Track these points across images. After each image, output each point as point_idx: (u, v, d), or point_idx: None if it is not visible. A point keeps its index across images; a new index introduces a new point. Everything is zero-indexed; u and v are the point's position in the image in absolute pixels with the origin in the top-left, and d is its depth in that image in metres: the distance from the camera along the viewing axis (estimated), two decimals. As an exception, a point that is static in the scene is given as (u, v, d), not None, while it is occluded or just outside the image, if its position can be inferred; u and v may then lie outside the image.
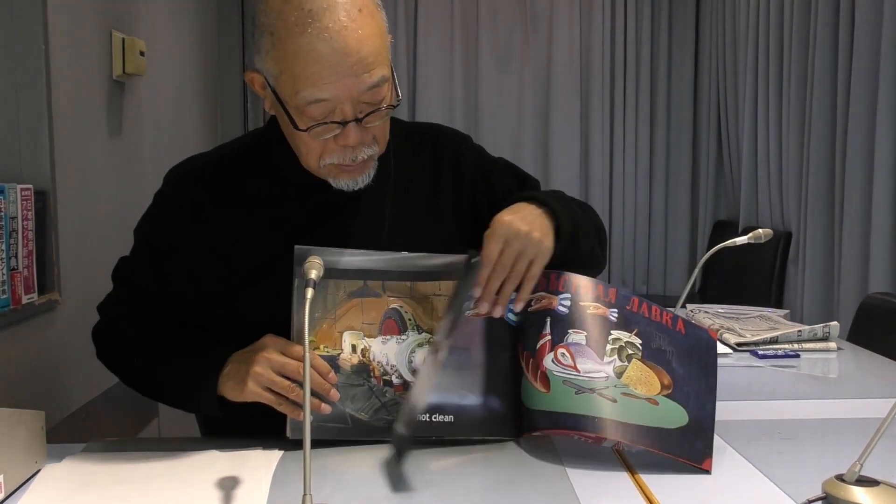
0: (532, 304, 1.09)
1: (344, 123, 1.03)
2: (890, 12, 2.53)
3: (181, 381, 1.12)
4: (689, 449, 1.00)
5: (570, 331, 1.06)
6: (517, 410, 1.07)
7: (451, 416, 1.05)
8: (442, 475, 1.00)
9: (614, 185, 4.36)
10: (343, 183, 1.10)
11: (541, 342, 1.06)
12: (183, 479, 0.98)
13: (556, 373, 1.03)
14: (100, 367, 1.23)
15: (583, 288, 1.09)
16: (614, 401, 1.01)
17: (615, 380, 1.03)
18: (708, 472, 0.98)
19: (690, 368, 1.07)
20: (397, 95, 1.07)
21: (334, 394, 1.03)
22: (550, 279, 1.09)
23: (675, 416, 1.02)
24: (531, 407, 1.05)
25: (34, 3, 1.60)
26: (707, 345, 1.10)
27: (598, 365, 1.04)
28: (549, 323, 1.07)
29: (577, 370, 1.03)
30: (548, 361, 1.04)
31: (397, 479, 0.95)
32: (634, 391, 1.02)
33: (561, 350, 1.05)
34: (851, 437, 1.12)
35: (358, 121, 1.03)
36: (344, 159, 1.06)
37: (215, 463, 1.02)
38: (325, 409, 1.02)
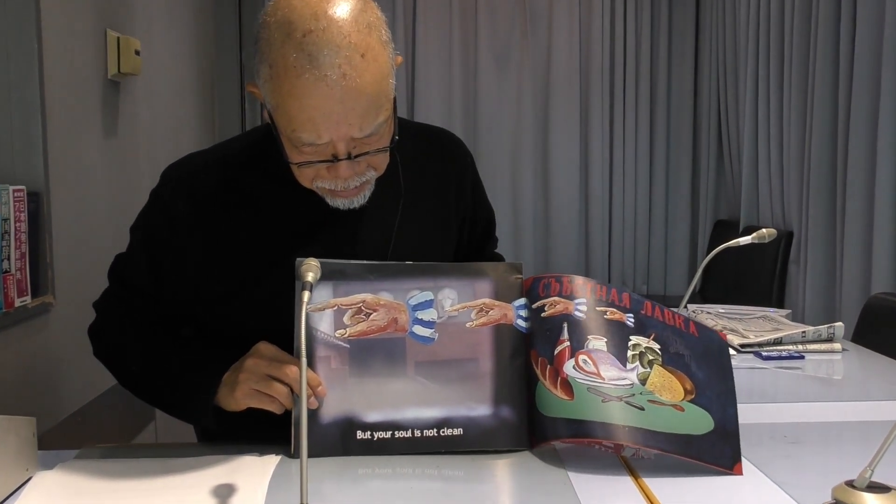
0: (546, 308, 1.06)
1: (336, 160, 1.01)
2: (892, 10, 2.51)
3: (178, 395, 1.11)
4: (719, 454, 0.98)
5: (589, 336, 1.03)
6: (530, 419, 1.03)
7: (461, 429, 1.03)
8: (443, 481, 0.98)
9: (614, 185, 4.34)
10: (339, 202, 1.07)
11: (559, 348, 1.02)
12: (177, 486, 0.96)
13: (579, 380, 1.00)
14: (95, 371, 1.21)
15: (597, 292, 1.07)
16: (642, 409, 0.98)
17: (640, 387, 1.00)
18: (739, 475, 0.97)
19: (709, 371, 1.05)
20: (395, 134, 1.04)
21: (322, 390, 1.01)
22: (563, 283, 1.07)
23: (701, 421, 1.00)
24: (549, 415, 1.00)
25: (27, 2, 1.58)
26: (719, 347, 1.08)
27: (622, 372, 1.01)
28: (566, 328, 1.03)
29: (602, 377, 1.00)
30: (568, 368, 1.01)
31: None
32: (660, 398, 1.00)
33: (582, 356, 1.01)
34: (859, 441, 1.11)
35: (350, 157, 1.01)
36: (336, 186, 1.05)
37: (211, 469, 1.00)
38: (313, 402, 1.01)
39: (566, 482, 0.95)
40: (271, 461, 1.01)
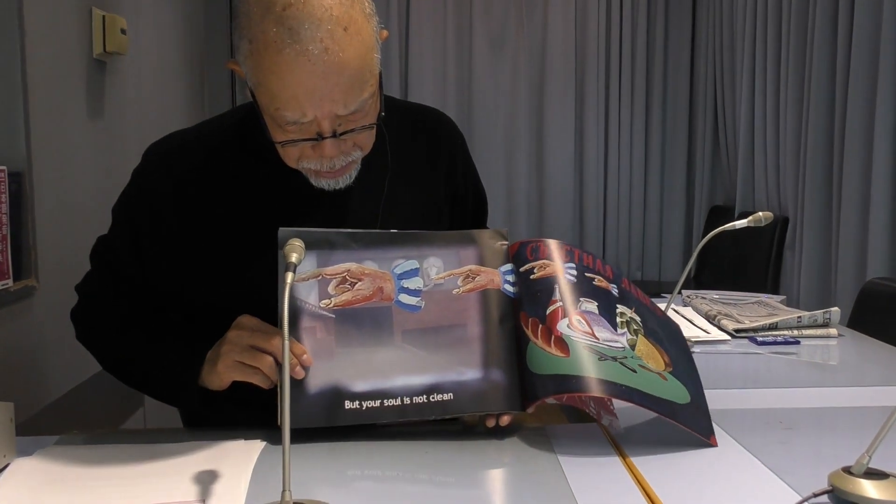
0: (535, 271, 1.05)
1: (321, 138, 0.98)
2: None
3: (161, 376, 1.09)
4: (697, 424, 0.99)
5: (581, 299, 1.03)
6: (521, 380, 1.02)
7: (450, 394, 1.01)
8: (432, 464, 0.96)
9: (609, 170, 4.32)
10: (323, 183, 1.05)
11: (551, 308, 1.02)
12: (159, 473, 0.93)
13: (574, 338, 0.99)
14: (80, 354, 1.19)
15: (584, 260, 1.07)
16: (634, 371, 0.98)
17: (630, 351, 1.00)
18: (715, 446, 0.98)
19: (678, 350, 1.07)
20: (381, 110, 1.02)
21: (307, 359, 0.99)
22: (551, 247, 1.07)
23: (680, 392, 1.00)
24: (542, 372, 0.98)
25: (7, -22, 1.54)
26: (678, 331, 1.12)
27: (614, 335, 1.01)
28: (558, 289, 1.03)
29: (596, 338, 0.99)
30: (562, 327, 1.00)
31: None
32: (648, 364, 1.00)
33: (576, 317, 1.01)
34: (854, 427, 1.09)
35: (335, 135, 0.98)
36: (321, 166, 1.02)
37: (194, 456, 0.98)
38: (299, 372, 0.98)
39: (556, 466, 0.93)
40: (256, 447, 0.99)
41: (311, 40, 0.91)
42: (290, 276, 0.86)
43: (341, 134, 0.98)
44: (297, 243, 0.90)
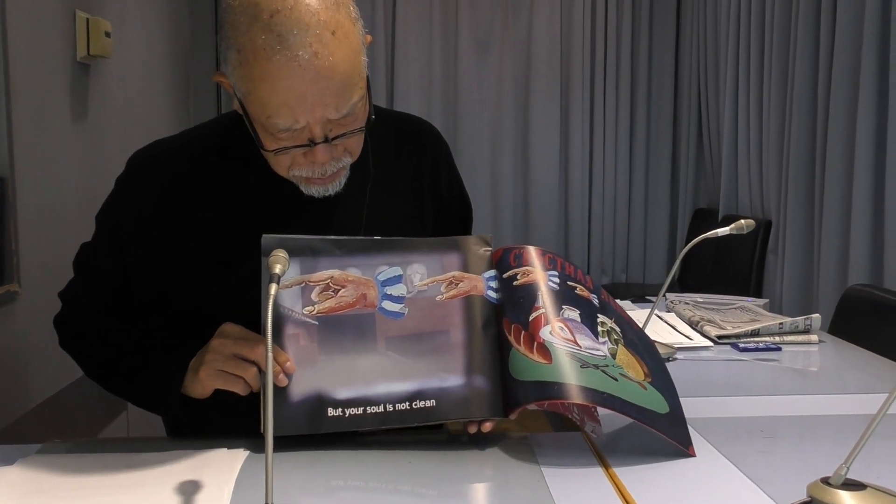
0: (518, 277, 1.05)
1: (313, 144, 0.98)
2: (872, 2, 2.50)
3: (144, 384, 1.08)
4: (675, 434, 1.00)
5: (564, 307, 1.03)
6: (503, 387, 1.02)
7: (433, 401, 1.01)
8: (415, 475, 0.96)
9: (594, 173, 4.33)
10: (313, 190, 1.05)
11: (534, 314, 1.02)
12: (141, 483, 0.93)
13: (556, 345, 0.99)
14: (63, 360, 1.18)
15: (567, 269, 1.08)
16: (615, 379, 0.98)
17: (612, 360, 1.01)
18: (693, 456, 0.99)
19: (655, 363, 1.08)
20: (371, 113, 1.02)
21: (290, 366, 0.98)
22: (534, 255, 1.07)
23: (659, 403, 1.01)
24: (525, 379, 0.99)
25: (-10, -20, 1.53)
26: (654, 345, 1.13)
27: (596, 343, 1.01)
28: (541, 296, 1.03)
29: (579, 345, 1.00)
30: (545, 333, 1.00)
31: None
32: (628, 374, 1.01)
33: (559, 324, 1.01)
34: (835, 435, 1.10)
35: (327, 140, 0.99)
36: (313, 173, 1.02)
37: (177, 465, 0.97)
38: (282, 379, 0.98)
39: (539, 477, 0.93)
40: (239, 457, 0.99)
41: (300, 46, 0.91)
42: (273, 288, 0.86)
43: (333, 139, 0.99)
44: (282, 254, 0.90)
